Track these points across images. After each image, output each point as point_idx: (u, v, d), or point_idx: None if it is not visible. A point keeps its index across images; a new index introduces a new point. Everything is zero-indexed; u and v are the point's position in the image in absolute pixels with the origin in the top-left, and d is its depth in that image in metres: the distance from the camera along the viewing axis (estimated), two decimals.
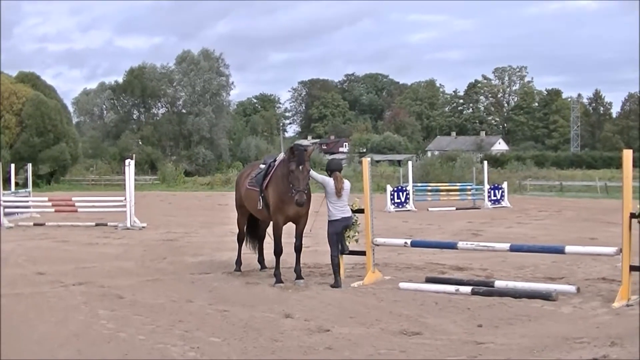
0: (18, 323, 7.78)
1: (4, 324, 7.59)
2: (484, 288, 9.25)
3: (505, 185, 29.60)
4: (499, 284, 9.49)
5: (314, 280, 10.44)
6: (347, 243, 10.34)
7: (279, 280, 10.14)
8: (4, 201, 20.54)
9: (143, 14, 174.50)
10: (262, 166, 10.89)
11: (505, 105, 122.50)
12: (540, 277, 10.57)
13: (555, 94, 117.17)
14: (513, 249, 9.90)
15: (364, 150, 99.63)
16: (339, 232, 10.16)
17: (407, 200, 26.83)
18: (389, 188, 27.03)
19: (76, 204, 21.06)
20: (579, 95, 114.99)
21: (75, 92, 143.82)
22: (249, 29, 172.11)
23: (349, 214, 10.20)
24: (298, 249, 10.35)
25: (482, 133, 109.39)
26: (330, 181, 10.07)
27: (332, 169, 10.27)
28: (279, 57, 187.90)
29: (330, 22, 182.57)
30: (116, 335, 7.18)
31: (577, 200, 35.15)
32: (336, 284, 9.90)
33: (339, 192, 10.02)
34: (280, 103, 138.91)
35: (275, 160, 10.66)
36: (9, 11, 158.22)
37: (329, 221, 10.14)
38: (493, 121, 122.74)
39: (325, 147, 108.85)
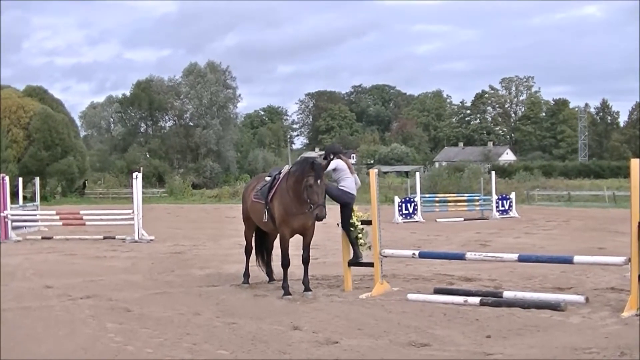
0: (25, 337, 7.78)
1: (10, 337, 7.60)
2: (493, 299, 9.20)
3: (513, 195, 29.48)
4: (507, 294, 9.44)
5: (322, 292, 10.40)
6: (362, 251, 10.47)
7: (286, 293, 10.09)
8: (12, 215, 20.61)
9: (151, 27, 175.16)
10: (268, 178, 10.88)
11: (513, 115, 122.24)
12: (548, 287, 10.51)
13: (562, 103, 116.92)
14: (521, 259, 9.85)
15: (372, 161, 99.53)
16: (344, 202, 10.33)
17: (415, 212, 26.80)
18: (397, 199, 27.04)
19: (84, 217, 21.11)
20: (586, 104, 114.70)
21: (83, 106, 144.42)
22: (256, 41, 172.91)
23: (355, 192, 10.45)
24: (306, 260, 10.33)
25: (490, 143, 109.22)
26: (339, 161, 10.35)
27: (335, 152, 10.50)
28: (285, 69, 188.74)
29: (336, 34, 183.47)
30: (124, 349, 7.17)
31: (585, 210, 34.99)
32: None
33: (350, 168, 10.36)
34: (287, 115, 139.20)
35: (280, 173, 10.66)
36: (17, 25, 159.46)
37: (343, 191, 10.31)
38: (500, 131, 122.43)
39: None
